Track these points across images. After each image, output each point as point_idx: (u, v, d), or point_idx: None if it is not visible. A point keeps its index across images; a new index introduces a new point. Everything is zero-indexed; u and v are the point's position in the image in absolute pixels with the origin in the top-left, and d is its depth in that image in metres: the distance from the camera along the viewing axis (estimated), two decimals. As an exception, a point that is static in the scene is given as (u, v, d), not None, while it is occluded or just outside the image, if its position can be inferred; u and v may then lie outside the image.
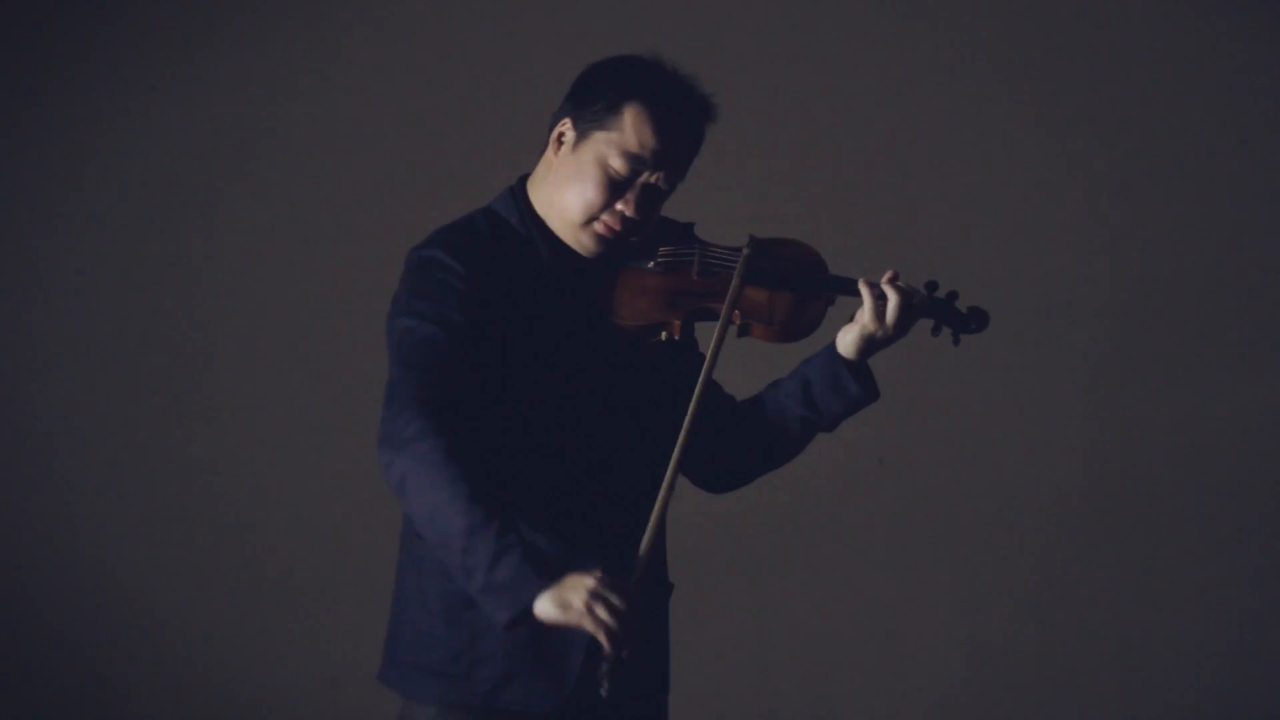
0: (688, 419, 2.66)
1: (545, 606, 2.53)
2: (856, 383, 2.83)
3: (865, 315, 2.79)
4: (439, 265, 2.71)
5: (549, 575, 2.53)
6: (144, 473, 4.97)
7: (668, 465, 2.65)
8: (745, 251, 2.78)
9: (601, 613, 2.52)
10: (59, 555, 4.96)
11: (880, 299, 2.78)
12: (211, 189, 4.99)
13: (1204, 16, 5.04)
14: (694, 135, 2.80)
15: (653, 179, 2.77)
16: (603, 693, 2.57)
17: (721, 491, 2.97)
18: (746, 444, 2.90)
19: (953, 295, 2.85)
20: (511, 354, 2.72)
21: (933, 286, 2.84)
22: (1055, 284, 5.06)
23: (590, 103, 2.78)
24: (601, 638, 2.53)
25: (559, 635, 2.70)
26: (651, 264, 2.80)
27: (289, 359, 4.99)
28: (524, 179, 2.86)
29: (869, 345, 2.82)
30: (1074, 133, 5.07)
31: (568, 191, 2.77)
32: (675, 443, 2.66)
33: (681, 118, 2.77)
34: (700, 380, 2.69)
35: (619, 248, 2.79)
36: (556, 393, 2.75)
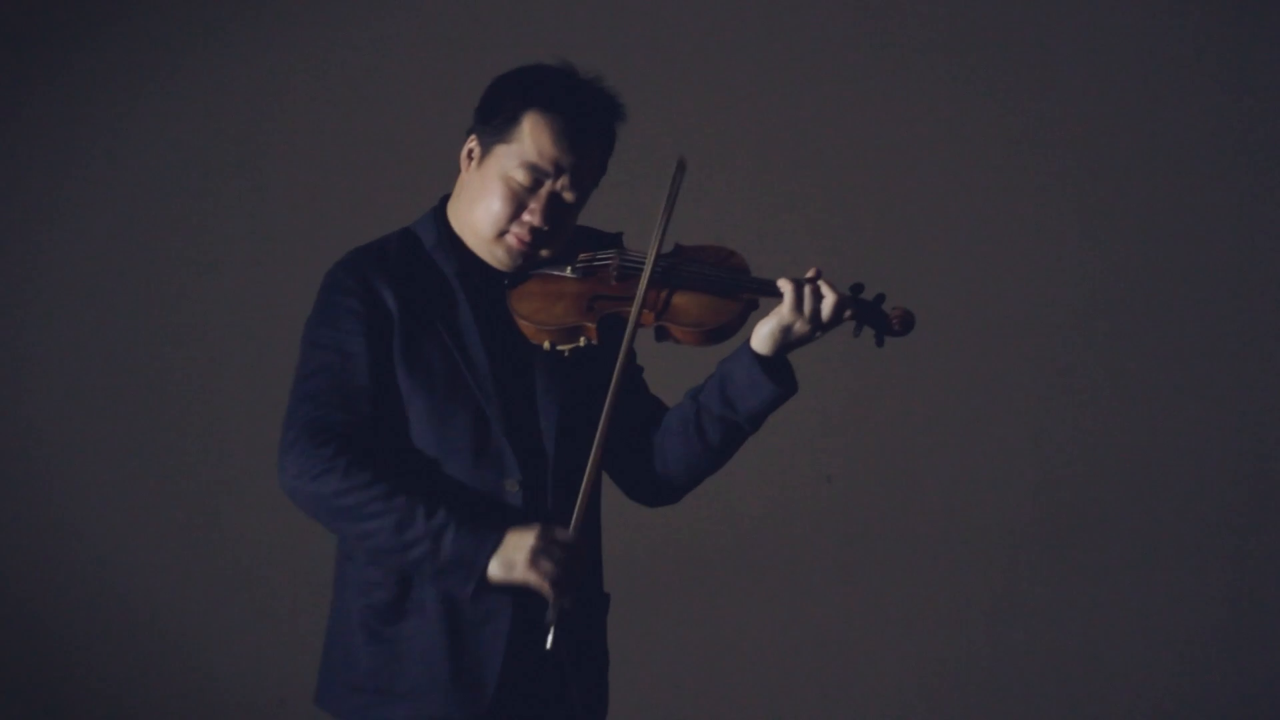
0: (605, 408, 2.69)
1: (495, 570, 2.64)
2: (772, 376, 2.77)
3: (785, 306, 2.74)
4: (340, 289, 2.76)
5: (490, 538, 2.64)
6: (138, 473, 4.99)
7: (588, 471, 2.72)
8: (658, 251, 2.73)
9: (545, 565, 2.64)
10: (53, 555, 4.98)
11: (800, 292, 2.73)
12: (209, 189, 5.01)
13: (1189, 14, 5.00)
14: (595, 139, 2.77)
15: (556, 187, 2.76)
16: (549, 645, 2.66)
17: (655, 504, 2.93)
18: (671, 451, 2.86)
19: (879, 298, 2.79)
20: (415, 369, 2.74)
21: (858, 289, 2.78)
22: (1003, 297, 5.03)
23: (492, 116, 2.78)
24: (546, 589, 2.64)
25: (477, 645, 2.73)
26: (569, 269, 2.78)
27: (285, 360, 5.00)
28: (445, 199, 2.86)
29: (785, 337, 2.76)
30: (1015, 144, 5.04)
31: (476, 208, 2.78)
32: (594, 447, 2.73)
33: (579, 123, 2.76)
34: (615, 375, 2.70)
35: (534, 259, 2.79)
36: (469, 405, 2.75)
